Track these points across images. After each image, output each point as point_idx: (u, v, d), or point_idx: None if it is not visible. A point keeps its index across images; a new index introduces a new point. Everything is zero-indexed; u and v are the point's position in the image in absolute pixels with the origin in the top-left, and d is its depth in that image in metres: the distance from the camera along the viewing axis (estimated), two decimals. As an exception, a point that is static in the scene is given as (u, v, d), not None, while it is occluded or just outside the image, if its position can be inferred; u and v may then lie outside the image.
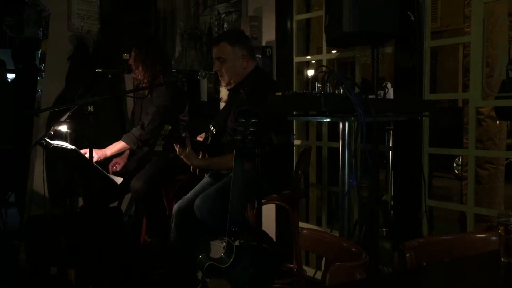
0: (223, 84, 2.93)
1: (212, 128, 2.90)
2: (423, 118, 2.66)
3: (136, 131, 3.33)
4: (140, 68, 3.41)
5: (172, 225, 2.95)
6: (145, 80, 3.43)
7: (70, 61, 4.07)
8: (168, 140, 2.66)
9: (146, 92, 3.49)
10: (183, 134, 2.66)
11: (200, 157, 2.78)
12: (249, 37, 3.13)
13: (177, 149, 2.68)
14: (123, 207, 4.01)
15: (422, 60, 2.73)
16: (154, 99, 3.41)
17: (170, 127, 2.68)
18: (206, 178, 3.02)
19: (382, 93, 2.34)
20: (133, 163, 3.51)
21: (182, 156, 2.69)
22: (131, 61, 3.46)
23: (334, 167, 2.48)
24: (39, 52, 4.31)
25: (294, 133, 3.53)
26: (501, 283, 1.40)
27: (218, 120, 2.95)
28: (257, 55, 3.42)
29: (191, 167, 2.93)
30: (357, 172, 2.24)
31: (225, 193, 2.48)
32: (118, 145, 3.35)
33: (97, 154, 3.24)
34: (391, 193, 2.92)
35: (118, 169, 3.50)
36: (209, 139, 2.87)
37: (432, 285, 1.36)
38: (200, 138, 3.03)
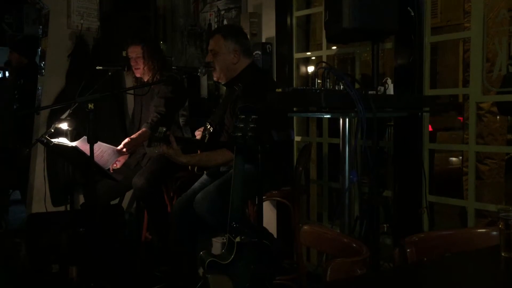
0: (214, 77, 2.94)
1: (209, 126, 2.89)
2: (424, 113, 2.66)
3: (154, 118, 3.31)
4: (151, 63, 3.41)
5: (172, 221, 2.95)
6: (150, 77, 3.43)
7: (70, 58, 4.07)
8: (151, 139, 2.64)
9: (151, 88, 3.47)
10: (167, 132, 2.64)
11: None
12: (247, 35, 3.13)
13: (162, 149, 2.66)
14: (124, 204, 4.02)
15: (422, 55, 2.73)
16: (157, 93, 3.40)
17: (164, 129, 2.67)
18: (205, 175, 3.02)
19: (382, 89, 2.34)
20: (134, 160, 3.51)
21: (168, 154, 2.67)
22: (135, 60, 3.43)
23: (335, 163, 2.48)
24: (39, 49, 4.31)
25: (294, 129, 3.53)
26: (501, 278, 1.40)
27: (215, 118, 2.95)
28: (256, 52, 3.42)
29: (189, 165, 2.93)
30: (357, 168, 2.24)
31: (224, 190, 2.49)
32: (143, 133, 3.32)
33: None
34: (392, 188, 2.92)
35: (118, 166, 3.50)
36: (206, 137, 2.87)
37: (432, 280, 1.36)
38: (199, 132, 3.03)
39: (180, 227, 2.93)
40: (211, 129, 2.88)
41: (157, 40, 4.33)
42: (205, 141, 2.86)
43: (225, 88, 3.13)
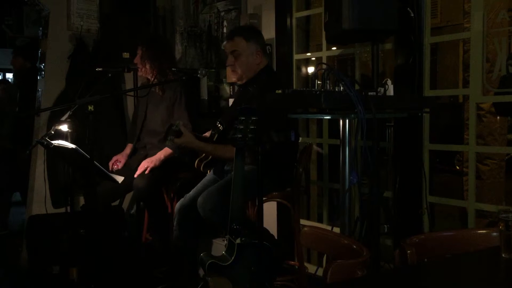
0: (234, 79, 2.93)
1: (219, 125, 2.90)
2: (424, 114, 2.66)
3: None
4: (148, 66, 3.41)
5: (174, 223, 2.95)
6: (153, 78, 3.42)
7: (70, 60, 4.07)
8: (168, 132, 2.66)
9: (157, 89, 3.47)
10: (180, 125, 2.65)
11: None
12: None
13: (176, 140, 2.67)
14: (125, 205, 4.02)
15: (422, 56, 2.72)
16: (169, 99, 3.41)
17: (181, 122, 2.69)
18: (209, 175, 3.03)
19: (382, 89, 2.34)
20: (135, 162, 3.51)
21: (182, 143, 2.68)
22: (136, 60, 3.45)
23: (335, 164, 2.48)
24: (39, 51, 4.31)
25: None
26: (502, 279, 1.40)
27: (225, 117, 2.95)
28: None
29: (195, 163, 2.92)
30: (357, 169, 2.24)
31: (227, 191, 2.48)
32: (167, 151, 3.32)
33: (152, 162, 3.27)
34: (392, 189, 2.92)
35: (119, 167, 3.50)
36: (216, 136, 2.87)
37: (433, 282, 1.36)
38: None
39: (182, 228, 2.93)
40: (221, 128, 2.89)
41: (163, 42, 4.29)
42: (214, 139, 2.86)
43: (226, 89, 3.13)
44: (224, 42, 2.96)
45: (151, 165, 3.27)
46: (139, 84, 3.94)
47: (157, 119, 3.46)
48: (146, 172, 3.26)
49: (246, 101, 2.81)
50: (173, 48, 4.50)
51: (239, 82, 2.95)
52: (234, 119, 2.86)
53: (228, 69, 2.93)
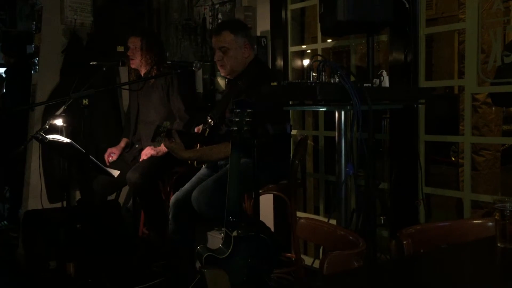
0: (223, 74, 2.90)
1: (210, 120, 2.88)
2: (419, 105, 2.66)
3: (178, 126, 3.31)
4: (148, 56, 3.39)
5: (170, 216, 2.95)
6: (148, 70, 3.41)
7: (64, 54, 4.05)
8: (155, 133, 2.62)
9: (151, 81, 3.45)
10: (168, 126, 2.62)
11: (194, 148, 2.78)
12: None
13: (164, 142, 2.65)
14: (121, 200, 4.02)
15: (417, 47, 2.72)
16: (166, 87, 3.40)
17: (169, 123, 2.66)
18: (203, 169, 3.02)
19: (377, 81, 2.34)
20: (131, 156, 3.50)
21: (170, 149, 2.67)
22: (133, 51, 3.41)
23: (331, 156, 2.48)
24: (33, 45, 4.29)
25: (291, 123, 3.52)
26: (497, 268, 1.41)
27: (216, 112, 2.94)
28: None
29: (191, 160, 2.92)
30: (353, 161, 2.24)
31: (222, 184, 2.49)
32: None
33: (155, 151, 3.28)
34: (388, 181, 2.93)
35: (114, 159, 3.50)
36: (207, 131, 2.86)
37: (429, 272, 1.36)
38: (197, 130, 3.02)
39: (178, 221, 2.92)
40: (212, 123, 2.87)
41: (158, 34, 4.31)
42: (205, 134, 2.85)
43: (222, 82, 3.11)
44: (212, 37, 2.89)
45: (154, 153, 3.27)
46: (133, 78, 3.93)
47: (150, 109, 3.45)
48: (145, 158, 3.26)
49: (235, 95, 2.79)
50: (169, 41, 4.49)
51: (228, 77, 2.92)
52: (224, 113, 2.87)
53: (218, 64, 2.89)
